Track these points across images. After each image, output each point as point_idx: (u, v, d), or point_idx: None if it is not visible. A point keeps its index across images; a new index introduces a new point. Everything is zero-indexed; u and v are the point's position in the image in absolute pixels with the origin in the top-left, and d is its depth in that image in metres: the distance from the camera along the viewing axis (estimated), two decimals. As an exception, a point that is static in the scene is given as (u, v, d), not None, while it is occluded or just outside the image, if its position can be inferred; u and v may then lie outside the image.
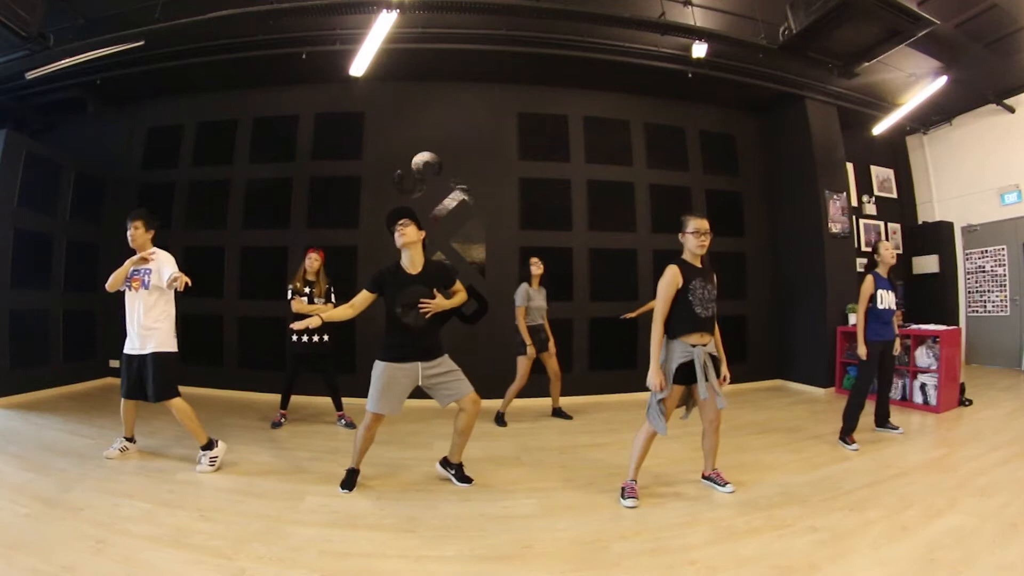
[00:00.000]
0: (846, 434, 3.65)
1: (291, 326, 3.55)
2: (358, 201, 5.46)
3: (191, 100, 5.85)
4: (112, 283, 3.25)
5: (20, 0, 3.52)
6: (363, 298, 2.79)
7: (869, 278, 3.73)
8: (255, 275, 5.52)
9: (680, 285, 2.65)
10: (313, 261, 4.16)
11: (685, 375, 2.63)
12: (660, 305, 2.65)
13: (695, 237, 2.74)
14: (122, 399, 3.25)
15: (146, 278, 3.21)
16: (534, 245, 5.51)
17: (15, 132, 4.99)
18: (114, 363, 5.81)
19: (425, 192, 5.52)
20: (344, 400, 4.33)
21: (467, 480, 2.94)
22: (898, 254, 7.29)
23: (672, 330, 2.67)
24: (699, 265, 2.76)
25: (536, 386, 4.74)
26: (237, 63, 5.02)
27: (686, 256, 2.79)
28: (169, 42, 4.67)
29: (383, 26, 4.09)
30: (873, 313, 3.74)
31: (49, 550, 2.05)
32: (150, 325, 3.18)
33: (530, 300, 4.40)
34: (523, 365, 4.36)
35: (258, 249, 5.54)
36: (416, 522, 2.45)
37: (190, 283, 3.08)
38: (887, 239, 7.09)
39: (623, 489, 2.71)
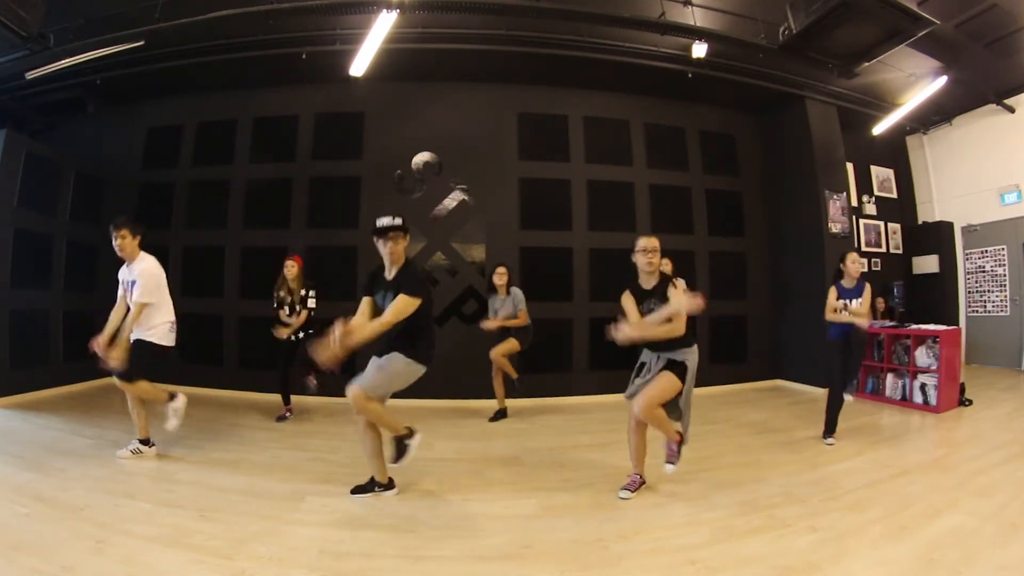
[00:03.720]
0: (827, 433, 3.74)
1: (276, 334, 4.06)
2: (358, 201, 5.46)
3: (191, 100, 5.84)
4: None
5: (20, 0, 3.52)
6: (368, 304, 2.71)
7: (832, 290, 3.87)
8: (255, 275, 5.51)
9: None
10: (290, 268, 4.33)
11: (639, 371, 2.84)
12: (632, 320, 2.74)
13: (643, 255, 2.73)
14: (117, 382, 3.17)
15: (134, 292, 3.18)
16: (534, 245, 5.52)
17: (15, 132, 4.98)
18: (114, 363, 5.81)
19: (425, 192, 5.52)
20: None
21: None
22: (898, 254, 7.30)
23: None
24: (650, 286, 2.77)
25: (537, 386, 4.75)
26: (237, 63, 5.02)
27: (640, 277, 2.80)
28: (169, 42, 4.67)
29: (383, 26, 4.09)
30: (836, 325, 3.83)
31: (49, 550, 2.04)
32: (145, 325, 3.20)
33: (495, 311, 4.46)
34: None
35: (258, 249, 5.54)
36: (416, 522, 2.45)
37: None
38: (887, 248, 7.09)
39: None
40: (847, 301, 3.83)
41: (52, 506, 2.46)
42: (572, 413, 4.68)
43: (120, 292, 3.26)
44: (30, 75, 4.64)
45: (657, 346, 2.75)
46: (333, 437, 3.93)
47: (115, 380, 3.11)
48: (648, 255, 2.70)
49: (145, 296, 3.10)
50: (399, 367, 2.60)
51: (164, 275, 3.30)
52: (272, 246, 5.50)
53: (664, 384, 2.65)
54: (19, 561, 1.96)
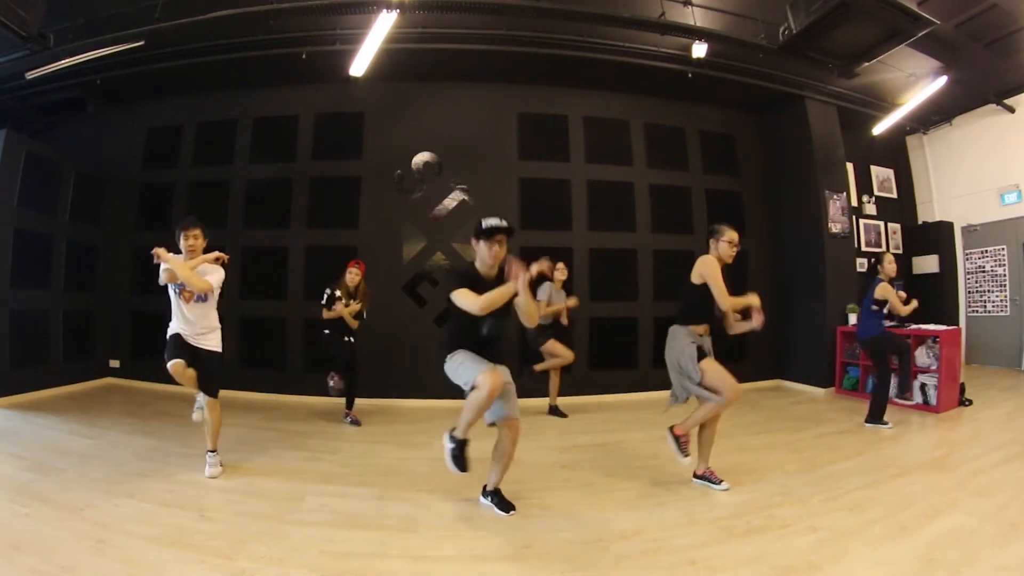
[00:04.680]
0: (875, 418, 4.06)
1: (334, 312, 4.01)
2: (358, 201, 5.46)
3: (191, 100, 5.84)
4: (168, 277, 2.96)
5: (20, 0, 3.52)
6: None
7: (891, 290, 4.16)
8: (255, 275, 5.52)
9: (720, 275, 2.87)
10: (353, 276, 4.27)
11: (703, 354, 2.84)
12: (723, 287, 2.83)
13: (729, 247, 2.92)
14: (169, 363, 2.90)
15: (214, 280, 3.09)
16: (534, 245, 5.51)
17: (15, 132, 4.98)
18: (114, 363, 5.82)
19: (425, 192, 5.52)
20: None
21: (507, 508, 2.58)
22: (898, 254, 7.29)
23: (687, 318, 2.91)
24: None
25: (537, 386, 4.75)
26: (237, 63, 5.02)
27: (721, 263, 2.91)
28: (169, 42, 4.67)
29: (383, 26, 4.09)
30: (878, 315, 4.18)
31: (49, 550, 2.04)
32: (206, 330, 3.14)
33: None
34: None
35: (258, 249, 5.54)
36: (416, 522, 2.45)
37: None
38: (887, 248, 7.09)
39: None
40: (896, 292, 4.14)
41: (52, 506, 2.46)
42: (572, 413, 4.68)
43: (179, 297, 3.06)
44: (30, 75, 4.64)
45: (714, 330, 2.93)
46: (333, 437, 3.94)
47: (204, 400, 3.00)
48: (734, 247, 2.94)
49: (213, 281, 3.05)
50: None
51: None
52: (272, 246, 5.51)
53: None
54: (19, 561, 1.96)
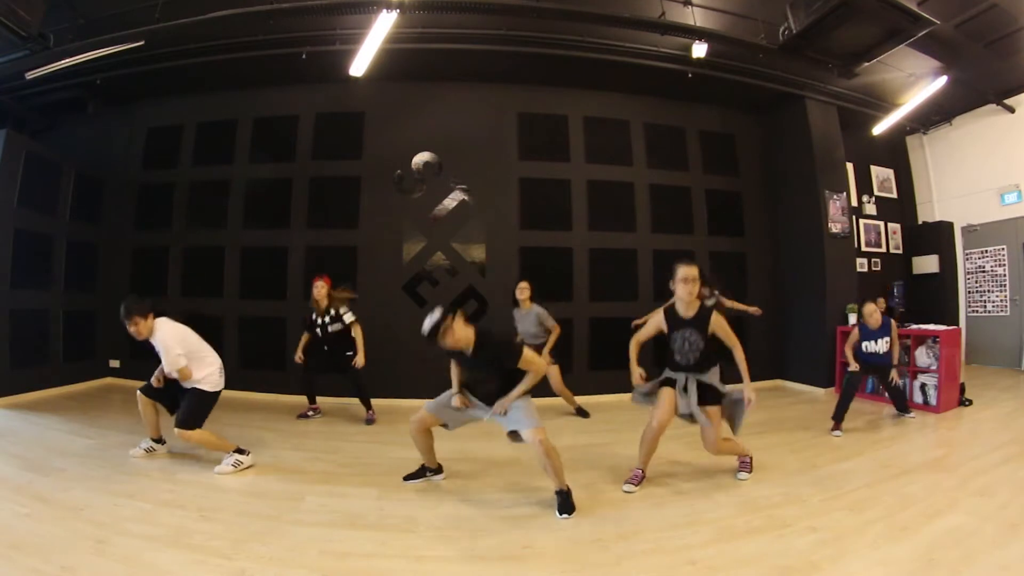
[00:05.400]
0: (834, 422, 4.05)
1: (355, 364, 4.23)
2: (358, 201, 5.46)
3: (191, 100, 5.85)
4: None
5: (20, 0, 3.52)
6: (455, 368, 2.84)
7: (855, 332, 4.27)
8: (255, 275, 5.52)
9: (664, 330, 2.88)
10: (319, 289, 4.31)
11: (669, 383, 2.91)
12: (641, 331, 2.95)
13: (683, 285, 2.72)
14: (138, 392, 3.20)
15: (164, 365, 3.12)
16: (534, 245, 5.53)
17: (15, 132, 4.98)
18: (114, 363, 5.82)
19: (425, 192, 5.52)
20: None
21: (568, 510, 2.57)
22: (898, 254, 7.30)
23: (667, 363, 2.95)
24: (690, 315, 2.81)
25: (536, 386, 4.74)
26: (237, 63, 5.02)
27: (677, 304, 2.84)
28: (169, 42, 4.67)
29: (383, 26, 4.09)
30: (860, 354, 4.24)
31: (49, 550, 2.04)
32: (195, 379, 3.15)
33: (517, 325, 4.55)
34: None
35: (258, 249, 5.54)
36: (416, 522, 2.45)
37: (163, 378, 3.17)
38: (885, 239, 7.10)
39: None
40: (873, 341, 4.15)
41: (52, 506, 2.46)
42: (572, 413, 4.68)
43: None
44: (30, 75, 4.64)
45: (682, 367, 2.85)
46: (333, 437, 3.94)
47: (175, 430, 3.06)
48: (689, 285, 2.71)
49: (171, 366, 3.02)
50: (528, 399, 2.72)
51: (185, 332, 3.16)
52: (272, 246, 5.51)
53: (716, 420, 2.82)
54: (19, 561, 1.96)
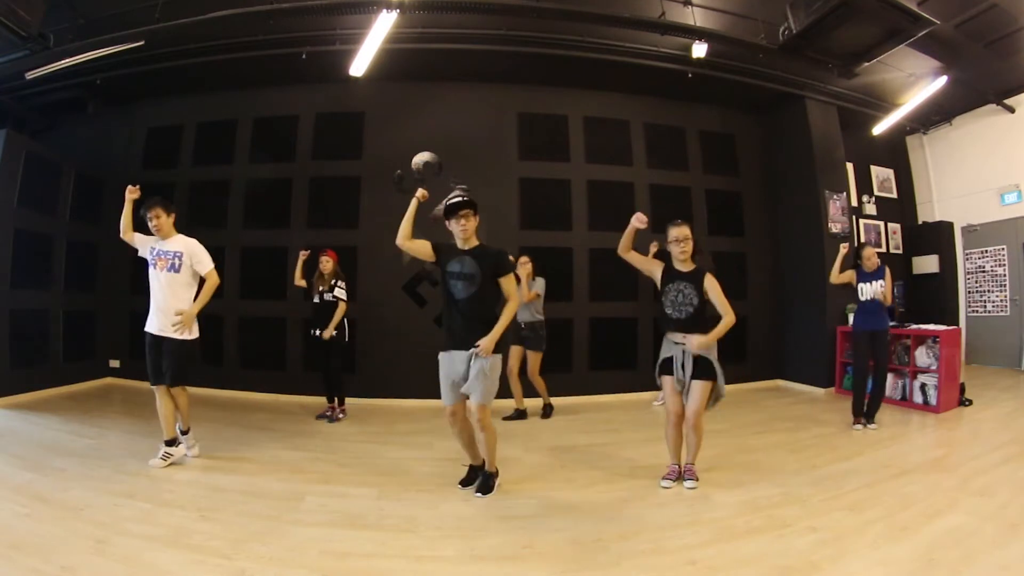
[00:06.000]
0: (854, 416, 4.12)
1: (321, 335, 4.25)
2: (358, 201, 5.46)
3: (191, 100, 5.84)
4: (123, 228, 3.34)
5: (20, 0, 3.52)
6: (422, 244, 2.77)
7: (852, 272, 4.29)
8: (255, 275, 5.52)
9: (657, 277, 2.92)
10: (325, 263, 4.41)
11: (667, 368, 2.89)
12: (632, 254, 2.95)
13: (675, 245, 2.86)
14: (155, 389, 3.13)
15: (176, 261, 3.13)
16: (534, 245, 5.51)
17: (15, 132, 4.98)
18: (114, 363, 5.82)
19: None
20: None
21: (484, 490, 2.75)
22: (898, 254, 7.29)
23: (661, 325, 2.99)
24: (685, 270, 2.87)
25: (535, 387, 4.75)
26: (237, 63, 5.02)
27: (674, 260, 2.91)
28: (169, 42, 4.66)
29: (383, 26, 4.09)
30: (858, 304, 4.26)
31: (49, 550, 2.04)
32: (173, 308, 3.11)
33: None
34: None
35: (258, 249, 5.54)
36: (416, 522, 2.45)
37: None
38: (885, 239, 7.10)
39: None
40: (868, 283, 4.17)
41: (52, 506, 2.46)
42: (572, 413, 4.68)
43: (154, 268, 3.15)
44: (30, 75, 4.64)
45: (674, 323, 2.86)
46: (333, 437, 3.94)
47: (162, 387, 3.07)
48: (680, 244, 2.83)
49: (209, 263, 3.15)
50: (498, 368, 2.68)
51: None
52: (272, 246, 5.51)
53: (704, 393, 2.80)
54: (19, 561, 1.96)
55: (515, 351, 4.52)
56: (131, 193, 3.28)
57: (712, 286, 2.77)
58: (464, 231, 2.69)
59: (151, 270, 3.17)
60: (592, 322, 5.56)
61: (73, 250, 5.44)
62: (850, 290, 4.35)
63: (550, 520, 2.48)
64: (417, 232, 2.85)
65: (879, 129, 6.42)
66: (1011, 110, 6.34)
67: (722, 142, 6.23)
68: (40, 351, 5.06)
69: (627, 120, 5.92)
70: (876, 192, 7.18)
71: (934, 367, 4.67)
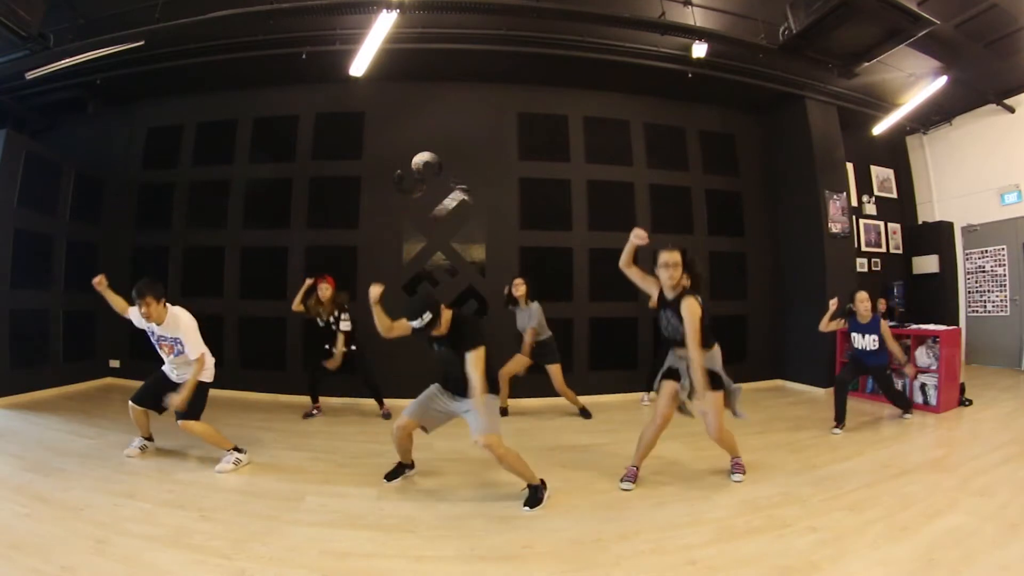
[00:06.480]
0: (836, 422, 4.08)
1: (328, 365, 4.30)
2: (358, 201, 5.46)
3: (191, 100, 5.84)
4: (118, 311, 3.32)
5: (20, 0, 3.52)
6: (403, 327, 2.73)
7: (841, 321, 4.31)
8: (255, 275, 5.52)
9: (654, 296, 2.96)
10: (324, 291, 4.36)
11: (673, 375, 2.92)
12: (633, 269, 2.96)
13: (664, 271, 2.80)
14: (130, 402, 3.25)
15: (179, 347, 3.12)
16: (534, 245, 5.52)
17: (15, 132, 4.98)
18: (114, 363, 5.82)
19: (425, 192, 5.52)
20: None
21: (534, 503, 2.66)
22: (898, 254, 7.30)
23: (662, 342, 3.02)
24: (671, 296, 2.85)
25: (536, 386, 4.75)
26: (237, 63, 5.02)
27: (664, 289, 2.89)
28: (169, 42, 4.67)
29: (383, 26, 4.09)
30: (851, 350, 4.37)
31: (49, 550, 2.05)
32: (185, 371, 3.19)
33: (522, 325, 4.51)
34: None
35: (258, 249, 5.54)
36: (416, 522, 2.45)
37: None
38: (885, 239, 7.09)
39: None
40: (861, 335, 4.21)
41: (52, 506, 2.46)
42: (572, 413, 4.68)
43: (160, 348, 3.21)
44: (30, 75, 4.64)
45: (674, 343, 2.89)
46: (333, 437, 3.94)
47: (179, 423, 3.09)
48: (669, 270, 2.77)
49: (195, 351, 3.09)
50: (493, 403, 2.68)
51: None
52: (272, 246, 5.51)
53: (718, 406, 2.83)
54: (19, 561, 1.96)
55: (518, 359, 4.49)
56: (99, 285, 3.24)
57: (688, 312, 2.66)
58: (438, 331, 2.61)
59: (156, 344, 3.21)
60: (592, 322, 5.56)
61: (73, 250, 5.44)
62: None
63: (550, 520, 2.48)
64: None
65: (879, 129, 6.42)
66: (1011, 110, 6.34)
67: (722, 142, 6.23)
68: (40, 351, 5.06)
69: (627, 120, 5.92)
70: (876, 192, 7.19)
71: (934, 367, 4.67)
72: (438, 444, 3.59)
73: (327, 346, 4.38)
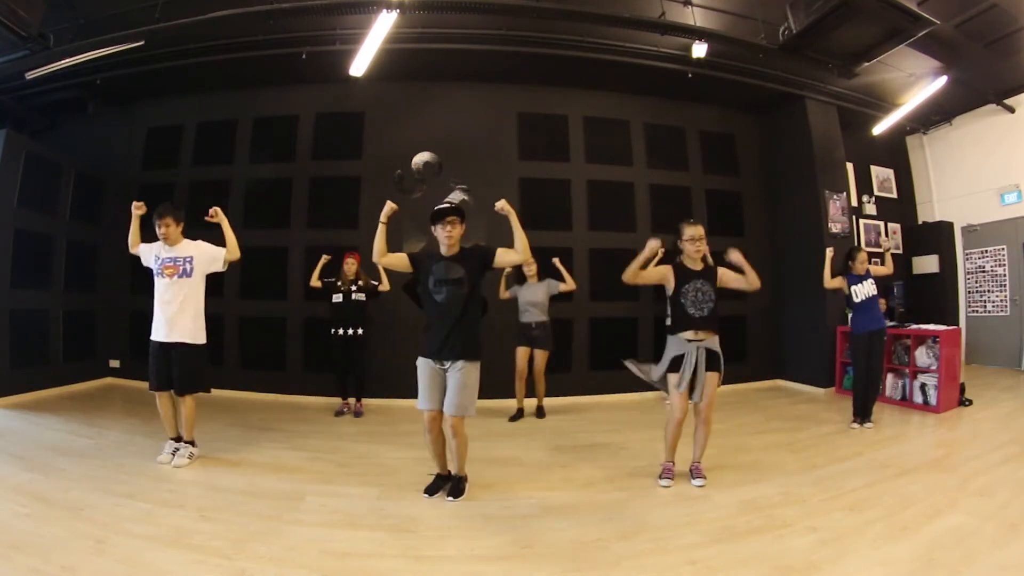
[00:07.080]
0: (854, 416, 4.16)
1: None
2: (358, 201, 5.45)
3: (191, 100, 5.84)
4: (131, 243, 3.31)
5: (20, 0, 3.52)
6: (398, 257, 2.77)
7: (841, 278, 4.29)
8: (255, 275, 5.52)
9: (671, 283, 2.93)
10: (350, 265, 4.57)
11: (677, 366, 2.89)
12: (642, 274, 2.96)
13: (691, 244, 2.91)
14: (156, 395, 3.16)
15: (188, 267, 3.13)
16: (534, 245, 5.48)
17: (15, 132, 4.98)
18: (114, 363, 5.82)
19: (425, 192, 5.52)
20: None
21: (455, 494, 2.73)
22: (898, 254, 7.29)
23: (671, 328, 2.97)
24: (698, 267, 2.95)
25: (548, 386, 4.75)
26: (237, 63, 5.01)
27: (685, 260, 2.97)
28: (169, 42, 4.66)
29: (383, 26, 4.09)
30: (854, 306, 4.25)
31: (49, 550, 2.04)
32: (184, 313, 3.14)
33: (527, 301, 4.57)
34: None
35: (258, 249, 5.52)
36: (416, 522, 2.45)
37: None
38: (886, 236, 7.09)
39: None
40: (860, 283, 4.19)
41: (52, 506, 2.46)
42: (572, 413, 4.68)
43: (160, 276, 3.15)
44: (30, 75, 4.64)
45: (697, 321, 2.89)
46: (333, 437, 3.94)
47: (163, 394, 3.10)
48: (696, 243, 2.91)
49: (234, 253, 3.23)
50: (476, 376, 2.70)
51: None
52: (272, 246, 5.51)
53: (716, 384, 2.88)
54: (19, 561, 1.96)
55: (522, 352, 4.56)
56: (137, 209, 3.23)
57: (728, 273, 2.95)
58: (449, 238, 2.66)
59: (157, 279, 3.16)
60: (592, 322, 5.56)
61: (73, 250, 5.44)
62: (843, 295, 4.39)
63: (550, 520, 2.48)
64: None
65: (879, 129, 6.42)
66: (1011, 110, 6.34)
67: (722, 142, 6.23)
68: (40, 351, 5.06)
69: (627, 120, 5.91)
70: (876, 192, 7.18)
71: (934, 367, 4.67)
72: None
73: (337, 331, 4.48)
